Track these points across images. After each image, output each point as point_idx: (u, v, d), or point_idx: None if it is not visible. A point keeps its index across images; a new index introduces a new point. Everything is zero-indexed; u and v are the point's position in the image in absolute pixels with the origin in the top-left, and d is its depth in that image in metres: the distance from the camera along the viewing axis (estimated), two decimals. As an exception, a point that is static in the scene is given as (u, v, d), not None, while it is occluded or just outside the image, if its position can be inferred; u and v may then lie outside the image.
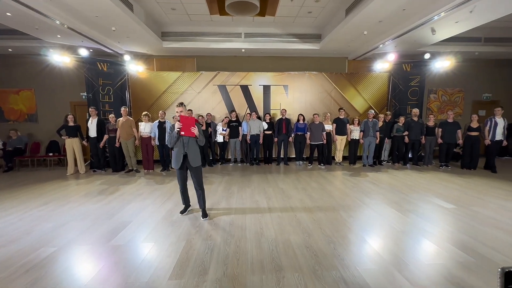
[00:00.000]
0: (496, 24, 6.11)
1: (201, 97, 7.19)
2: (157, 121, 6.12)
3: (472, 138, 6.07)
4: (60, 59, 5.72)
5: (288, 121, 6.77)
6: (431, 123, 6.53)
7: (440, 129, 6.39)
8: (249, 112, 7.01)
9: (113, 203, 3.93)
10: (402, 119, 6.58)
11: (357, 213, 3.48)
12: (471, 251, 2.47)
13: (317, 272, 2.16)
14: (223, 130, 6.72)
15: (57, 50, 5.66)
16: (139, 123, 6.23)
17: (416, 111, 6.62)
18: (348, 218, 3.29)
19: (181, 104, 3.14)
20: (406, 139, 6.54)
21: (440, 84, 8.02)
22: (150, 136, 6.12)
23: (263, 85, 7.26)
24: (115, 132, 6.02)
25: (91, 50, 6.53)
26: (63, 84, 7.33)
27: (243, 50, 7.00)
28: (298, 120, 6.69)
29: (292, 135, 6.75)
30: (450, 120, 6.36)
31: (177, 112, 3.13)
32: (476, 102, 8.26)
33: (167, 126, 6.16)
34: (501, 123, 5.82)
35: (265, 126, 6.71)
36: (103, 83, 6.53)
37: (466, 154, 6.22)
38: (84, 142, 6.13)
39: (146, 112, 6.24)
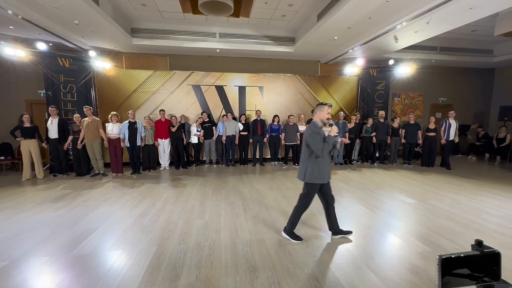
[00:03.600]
0: (450, 35, 6.79)
1: (174, 97, 6.98)
2: (127, 121, 5.81)
3: (430, 138, 6.64)
4: (14, 52, 5.18)
5: (263, 122, 6.83)
6: (396, 125, 7.03)
7: (404, 130, 6.90)
8: (225, 113, 6.96)
9: (76, 210, 3.64)
10: (370, 121, 6.99)
11: (329, 210, 3.61)
12: (428, 242, 2.70)
13: (290, 270, 2.20)
14: (197, 131, 6.59)
15: (10, 43, 5.12)
16: (107, 123, 5.86)
17: (382, 113, 7.07)
18: (320, 216, 3.40)
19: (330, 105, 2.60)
20: (374, 140, 6.96)
21: (403, 88, 8.66)
22: (119, 138, 5.79)
23: (239, 86, 7.25)
24: (80, 133, 5.60)
25: (51, 44, 6.01)
26: (17, 80, 6.64)
27: (218, 50, 6.93)
28: (273, 121, 6.79)
29: (267, 136, 6.83)
30: (411, 122, 6.90)
31: (328, 118, 2.58)
32: (433, 105, 9.05)
33: (139, 126, 5.89)
34: (453, 124, 6.44)
35: (241, 127, 6.71)
36: (64, 80, 6.04)
37: (425, 152, 6.79)
38: (44, 145, 5.60)
39: (114, 112, 5.89)
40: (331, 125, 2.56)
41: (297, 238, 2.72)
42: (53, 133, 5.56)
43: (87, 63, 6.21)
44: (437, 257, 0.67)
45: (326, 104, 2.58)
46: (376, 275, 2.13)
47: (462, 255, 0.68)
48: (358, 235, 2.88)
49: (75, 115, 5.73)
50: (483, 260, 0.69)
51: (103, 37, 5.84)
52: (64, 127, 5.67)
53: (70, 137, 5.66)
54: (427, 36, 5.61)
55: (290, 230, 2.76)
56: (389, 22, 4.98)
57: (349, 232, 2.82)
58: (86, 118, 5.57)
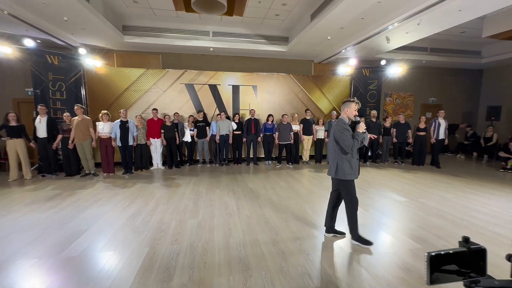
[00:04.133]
0: (439, 37, 6.93)
1: (167, 96, 6.90)
2: (118, 120, 5.72)
3: (420, 137, 6.77)
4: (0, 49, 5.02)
5: (257, 121, 6.83)
6: (387, 124, 7.13)
7: (395, 129, 7.02)
8: (219, 112, 6.93)
9: (66, 211, 3.56)
10: (362, 120, 7.06)
11: (322, 209, 3.63)
12: (418, 239, 2.75)
13: (283, 269, 2.21)
14: (191, 130, 6.55)
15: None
16: (97, 122, 5.75)
17: (374, 112, 7.17)
18: (313, 215, 3.43)
19: None
20: (366, 139, 7.04)
21: (394, 88, 8.80)
22: (110, 137, 5.69)
23: (232, 85, 7.22)
24: (69, 133, 5.47)
25: (39, 41, 5.84)
26: (3, 78, 6.43)
27: (211, 49, 6.88)
28: (267, 120, 6.79)
29: (261, 135, 6.83)
30: (402, 121, 7.02)
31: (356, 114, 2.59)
32: (424, 105, 9.23)
33: (131, 125, 5.80)
34: (443, 124, 6.59)
35: (234, 126, 6.69)
36: (53, 78, 5.89)
37: (415, 151, 6.92)
38: (32, 144, 5.45)
39: (105, 111, 5.78)
40: (358, 122, 2.56)
41: (367, 242, 2.60)
42: (42, 132, 5.42)
43: (76, 61, 6.07)
44: (426, 254, 0.68)
45: (353, 101, 2.58)
46: (368, 273, 2.16)
47: (450, 252, 0.70)
48: (350, 233, 2.92)
49: (64, 113, 5.60)
50: (470, 256, 0.71)
51: (94, 35, 5.71)
52: (53, 126, 5.54)
53: (60, 136, 5.53)
54: (418, 37, 5.71)
55: (357, 236, 2.64)
56: (381, 23, 5.04)
57: (343, 233, 2.83)
58: (76, 117, 5.45)
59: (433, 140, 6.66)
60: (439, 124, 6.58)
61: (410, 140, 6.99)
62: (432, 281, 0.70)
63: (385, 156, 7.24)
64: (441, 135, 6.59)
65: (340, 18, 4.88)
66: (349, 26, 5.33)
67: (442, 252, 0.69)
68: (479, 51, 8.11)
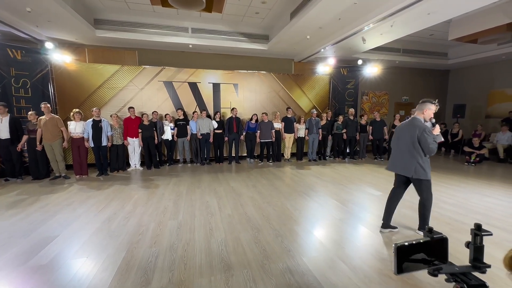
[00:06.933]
0: (411, 39, 7.31)
1: (144, 94, 6.64)
2: (91, 119, 5.41)
3: (395, 134, 7.13)
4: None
5: (238, 120, 6.79)
6: (363, 122, 7.42)
7: (371, 127, 7.32)
8: (196, 110, 6.79)
9: (32, 217, 3.31)
10: (341, 118, 7.29)
11: (303, 206, 3.72)
12: (392, 231, 2.89)
13: (265, 266, 2.22)
14: (171, 129, 6.37)
15: None
16: (69, 122, 5.40)
17: (352, 111, 7.42)
18: (295, 211, 3.48)
19: None
20: (345, 136, 7.28)
21: (370, 87, 9.17)
22: (83, 137, 5.37)
23: (213, 83, 7.12)
24: (36, 133, 5.09)
25: (-1, 33, 5.36)
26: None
27: (190, 46, 6.72)
28: (251, 119, 6.78)
29: (244, 133, 6.81)
30: (377, 119, 7.34)
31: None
32: (397, 103, 9.71)
33: (104, 125, 5.52)
34: (415, 121, 6.97)
35: (215, 125, 6.60)
36: (16, 74, 5.44)
37: (390, 147, 7.27)
38: (-8, 146, 5.00)
39: (77, 109, 5.43)
40: (434, 124, 2.61)
41: (438, 233, 2.70)
42: (4, 133, 4.98)
43: (43, 56, 5.64)
44: (393, 245, 0.71)
45: (434, 103, 2.60)
46: (346, 265, 2.23)
47: (415, 242, 0.73)
48: (330, 228, 3.00)
49: (29, 112, 5.19)
50: (434, 245, 0.75)
51: (61, 28, 5.34)
52: (17, 126, 5.11)
53: (25, 137, 5.12)
54: (391, 38, 5.99)
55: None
56: (357, 24, 5.21)
57: (396, 228, 2.91)
58: (43, 116, 5.08)
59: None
60: (411, 121, 6.95)
61: (386, 137, 7.33)
62: (402, 269, 0.74)
63: (362, 152, 7.53)
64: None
65: (319, 17, 4.97)
66: (327, 26, 5.46)
67: (408, 243, 0.73)
68: (446, 53, 8.68)
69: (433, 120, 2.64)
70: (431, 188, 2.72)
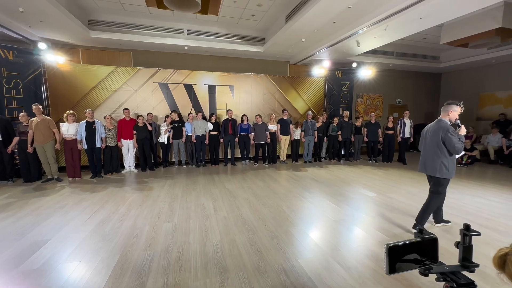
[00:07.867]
0: (404, 42, 7.44)
1: (139, 95, 6.60)
2: (84, 121, 5.35)
3: (389, 136, 7.22)
4: None
5: (234, 121, 6.79)
6: (358, 124, 7.50)
7: (366, 129, 7.40)
8: (191, 112, 6.76)
9: (23, 220, 3.25)
10: (336, 120, 7.36)
11: (299, 207, 3.73)
12: (386, 232, 2.93)
13: (260, 268, 2.22)
14: (168, 132, 6.33)
15: None
16: (61, 123, 5.33)
17: (346, 113, 7.50)
18: (290, 213, 3.50)
19: None
20: (340, 138, 7.34)
21: (365, 90, 9.28)
22: (76, 139, 5.30)
23: (209, 85, 7.11)
24: (27, 135, 5.00)
25: (-10, 33, 5.28)
26: None
27: (186, 48, 6.71)
28: (242, 121, 6.79)
29: (238, 135, 6.82)
30: (372, 121, 7.42)
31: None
32: (391, 106, 9.85)
33: (98, 126, 5.46)
34: (408, 123, 7.08)
35: (211, 126, 6.59)
36: (8, 74, 5.35)
37: (385, 149, 7.37)
38: (-18, 148, 4.90)
39: (71, 111, 5.37)
40: (459, 125, 2.66)
41: (429, 233, 2.84)
42: (-5, 134, 4.89)
43: (36, 56, 5.57)
44: (385, 245, 0.73)
45: (459, 104, 2.66)
46: (341, 266, 2.25)
47: (406, 243, 0.75)
48: (325, 229, 3.02)
49: (21, 114, 5.10)
50: (425, 245, 0.77)
51: (55, 28, 5.28)
52: (8, 128, 5.03)
53: (16, 139, 5.03)
54: (385, 41, 6.08)
55: (420, 227, 2.85)
56: (352, 27, 5.28)
57: (449, 222, 3.06)
58: (35, 118, 4.99)
59: (399, 139, 7.14)
60: (405, 124, 7.06)
61: (381, 139, 7.42)
62: (394, 270, 0.75)
63: (357, 154, 7.60)
64: (407, 134, 7.07)
65: (314, 21, 5.03)
66: (322, 29, 5.52)
67: (400, 243, 0.75)
68: (438, 56, 8.85)
69: (458, 121, 2.71)
70: (446, 189, 2.85)
